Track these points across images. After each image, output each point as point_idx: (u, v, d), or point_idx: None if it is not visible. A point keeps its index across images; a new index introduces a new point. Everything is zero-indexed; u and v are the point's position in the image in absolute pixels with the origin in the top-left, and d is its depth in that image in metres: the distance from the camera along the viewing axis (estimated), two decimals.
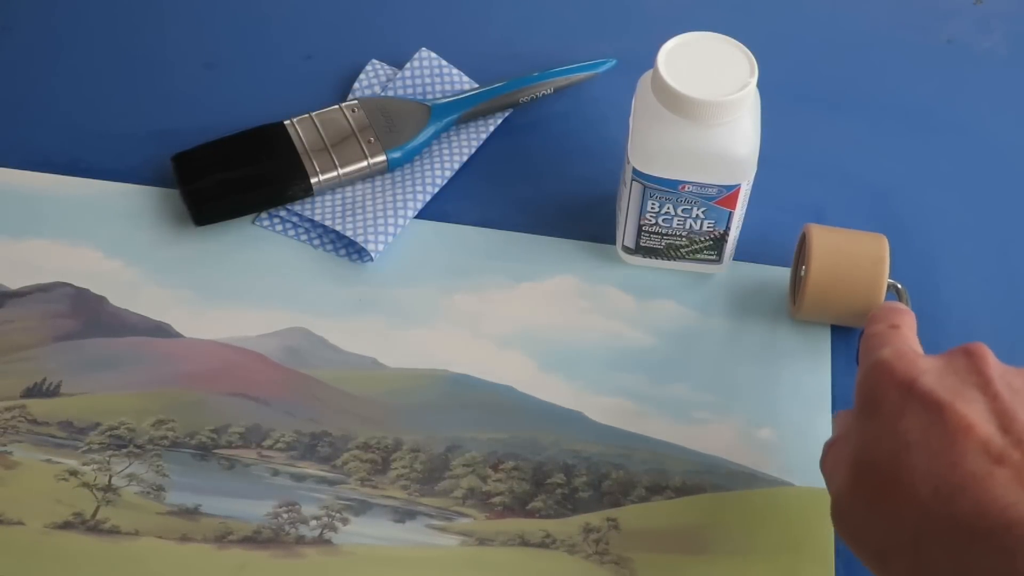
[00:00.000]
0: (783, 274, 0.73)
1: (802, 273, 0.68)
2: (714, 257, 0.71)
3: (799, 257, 0.70)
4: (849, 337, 0.70)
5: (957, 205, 0.76)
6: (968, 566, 0.49)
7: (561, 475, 0.66)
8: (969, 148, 0.79)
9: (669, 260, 0.72)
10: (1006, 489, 0.49)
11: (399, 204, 0.74)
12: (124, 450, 0.66)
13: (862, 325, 0.63)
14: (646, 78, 0.66)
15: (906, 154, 0.78)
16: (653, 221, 0.69)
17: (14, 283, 0.72)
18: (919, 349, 0.58)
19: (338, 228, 0.73)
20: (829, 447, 0.59)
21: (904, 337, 0.58)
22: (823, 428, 0.67)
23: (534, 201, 0.76)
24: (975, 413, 0.51)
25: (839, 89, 0.81)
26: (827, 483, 0.58)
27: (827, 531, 0.63)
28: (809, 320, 0.69)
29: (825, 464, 0.59)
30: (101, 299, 0.71)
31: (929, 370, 0.54)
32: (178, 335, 0.70)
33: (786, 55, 0.81)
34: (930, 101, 0.81)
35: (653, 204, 0.68)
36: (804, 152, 0.78)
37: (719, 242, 0.70)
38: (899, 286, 0.68)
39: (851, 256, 0.67)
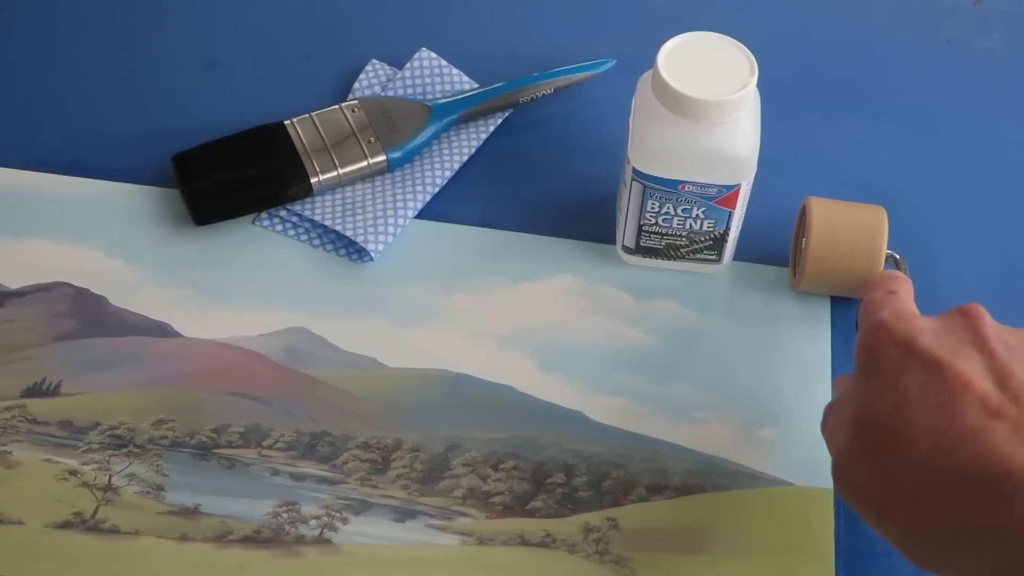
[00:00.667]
0: (783, 274, 0.73)
1: (802, 245, 0.69)
2: (714, 257, 0.71)
3: (799, 229, 0.71)
4: (850, 332, 0.70)
5: (957, 205, 0.76)
6: (967, 515, 0.50)
7: (561, 475, 0.66)
8: (969, 148, 0.79)
9: (669, 260, 0.72)
10: (1004, 440, 0.50)
11: (399, 204, 0.74)
12: (124, 450, 0.66)
13: (861, 296, 0.63)
14: (646, 78, 0.66)
15: (906, 154, 0.78)
16: (653, 221, 0.69)
17: (14, 283, 0.72)
18: (916, 311, 0.59)
19: (338, 228, 0.73)
20: (830, 409, 0.60)
21: (902, 301, 0.59)
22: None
23: (534, 201, 0.76)
24: (972, 370, 0.53)
25: (839, 89, 0.81)
26: (828, 444, 0.59)
27: (827, 531, 0.64)
28: (809, 291, 0.70)
29: (826, 426, 0.60)
30: (101, 299, 0.71)
31: (927, 329, 0.55)
32: (178, 335, 0.70)
33: (786, 55, 0.81)
34: (930, 101, 0.81)
35: (653, 204, 0.68)
36: (804, 152, 0.78)
37: (719, 242, 0.70)
38: (897, 256, 0.69)
39: (850, 226, 0.68)
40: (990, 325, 0.55)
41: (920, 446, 0.52)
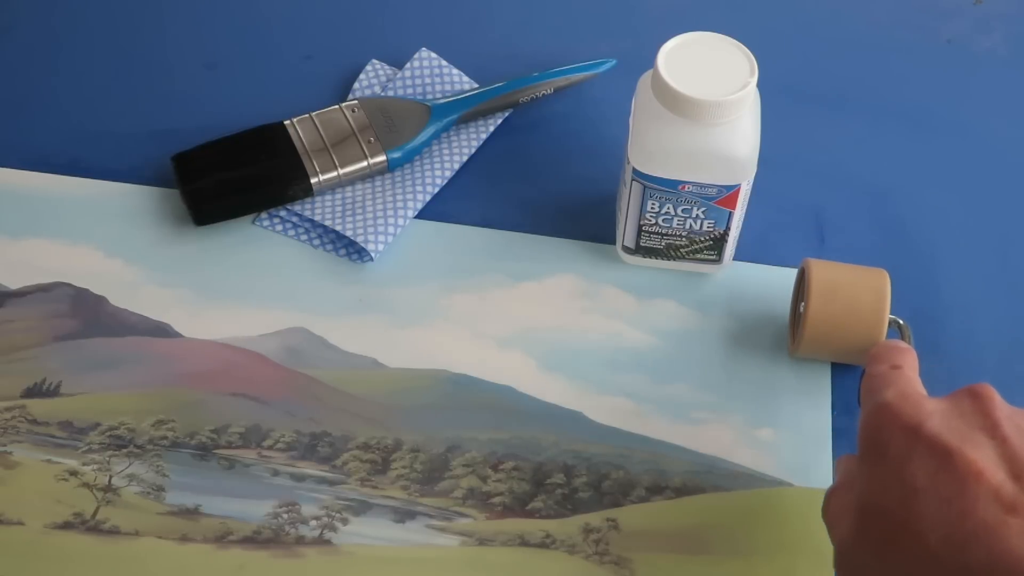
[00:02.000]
0: (783, 274, 0.72)
1: (801, 309, 0.67)
2: (714, 257, 0.71)
3: (798, 293, 0.69)
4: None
5: (957, 205, 0.76)
6: None
7: (561, 475, 0.65)
8: (969, 148, 0.79)
9: (669, 260, 0.72)
10: (1020, 539, 0.48)
11: (399, 204, 0.74)
12: (124, 450, 0.66)
13: (863, 363, 0.62)
14: (646, 78, 0.66)
15: (906, 154, 0.78)
16: (653, 221, 0.69)
17: (14, 283, 0.72)
18: (923, 391, 0.56)
19: (338, 228, 0.73)
20: (832, 493, 0.58)
21: (907, 378, 0.57)
22: (823, 429, 0.67)
23: (534, 201, 0.76)
24: (984, 459, 0.50)
25: (839, 89, 0.81)
26: (830, 531, 0.57)
27: (826, 531, 0.62)
28: (808, 358, 0.68)
29: (828, 511, 0.57)
30: (101, 299, 0.71)
31: (935, 413, 0.53)
32: (178, 335, 0.70)
33: (786, 55, 0.81)
34: (930, 101, 0.81)
35: (653, 204, 0.68)
36: (804, 152, 0.77)
37: (719, 242, 0.70)
38: (901, 322, 0.67)
39: (851, 291, 0.65)
40: (1001, 407, 0.53)
41: (930, 540, 0.50)
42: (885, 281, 0.66)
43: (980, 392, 0.54)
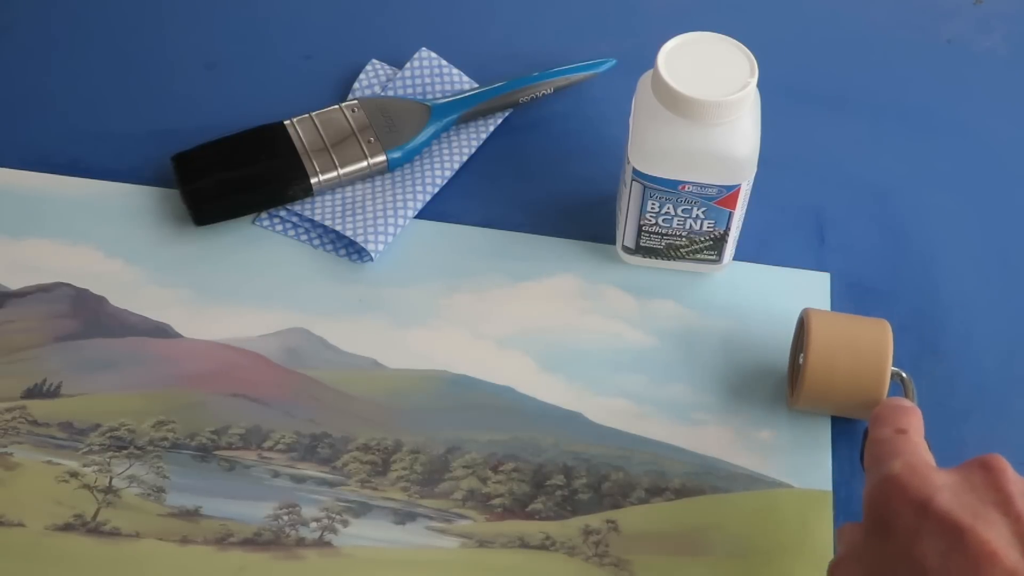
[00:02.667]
0: (783, 274, 0.72)
1: (800, 361, 0.66)
2: (714, 257, 0.71)
3: (797, 343, 0.68)
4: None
5: (957, 205, 0.76)
6: None
7: (561, 476, 0.65)
8: (969, 148, 0.79)
9: (669, 260, 0.72)
10: None
11: (399, 204, 0.74)
12: (124, 451, 0.66)
13: (865, 417, 0.61)
14: (646, 78, 0.66)
15: (906, 154, 0.78)
16: (653, 221, 0.69)
17: (14, 283, 0.72)
18: (931, 459, 0.55)
19: (338, 228, 0.73)
20: (836, 566, 0.56)
21: (913, 445, 0.55)
22: (822, 431, 0.67)
23: (534, 201, 0.76)
24: (998, 538, 0.49)
25: (839, 89, 0.81)
26: None
27: (826, 533, 0.63)
28: (807, 411, 0.67)
29: None
30: (101, 299, 0.71)
31: (944, 487, 0.51)
32: (178, 335, 0.70)
33: (786, 55, 0.81)
34: (930, 101, 0.81)
35: (653, 204, 0.68)
36: (804, 152, 0.77)
37: (719, 242, 0.70)
38: (904, 376, 0.65)
39: (852, 343, 0.63)
40: (1015, 481, 0.51)
41: None
42: (886, 333, 0.64)
43: (992, 464, 0.52)
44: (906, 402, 0.60)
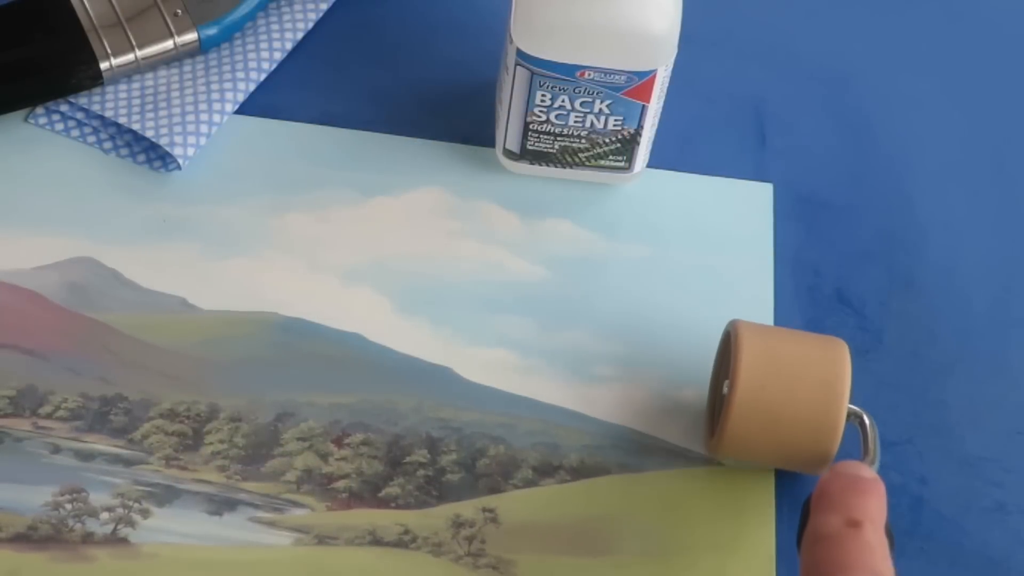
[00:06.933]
0: (713, 185, 0.68)
1: (723, 390, 0.58)
2: (622, 163, 0.66)
3: (720, 368, 0.60)
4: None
5: (935, 95, 0.72)
6: None
7: (424, 451, 0.61)
8: (951, 23, 0.74)
9: (564, 168, 0.67)
10: None
11: (214, 96, 0.68)
12: None
13: (810, 472, 0.55)
14: None
15: (871, 31, 0.74)
16: (544, 118, 0.64)
17: None
18: (889, 567, 0.49)
19: (135, 127, 0.67)
20: None
21: (869, 551, 0.49)
22: None
23: (389, 92, 0.70)
24: None
25: None
26: None
27: (767, 524, 0.59)
28: (731, 459, 0.59)
29: None
30: None
31: None
32: None
33: None
34: None
35: (543, 96, 0.62)
36: (740, 28, 0.73)
37: (629, 144, 0.65)
38: (864, 418, 0.56)
39: (795, 371, 0.55)
40: None
41: None
42: (843, 356, 0.56)
43: None
44: (865, 471, 0.53)
